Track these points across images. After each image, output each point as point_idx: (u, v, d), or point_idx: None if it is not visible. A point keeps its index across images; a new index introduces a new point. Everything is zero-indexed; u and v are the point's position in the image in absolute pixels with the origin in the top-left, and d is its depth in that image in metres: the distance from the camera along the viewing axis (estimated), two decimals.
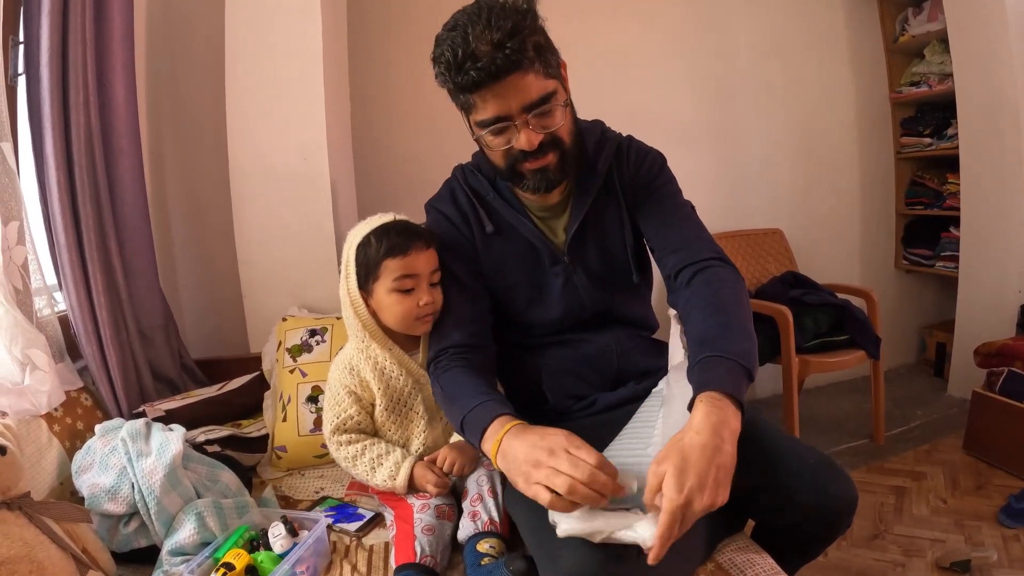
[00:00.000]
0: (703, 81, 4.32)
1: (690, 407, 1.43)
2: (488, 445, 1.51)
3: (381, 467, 1.93)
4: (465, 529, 1.74)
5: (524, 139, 1.65)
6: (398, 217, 1.96)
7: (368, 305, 1.94)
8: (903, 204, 4.82)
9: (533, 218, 1.94)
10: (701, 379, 1.46)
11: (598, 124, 2.00)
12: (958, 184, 4.25)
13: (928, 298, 5.04)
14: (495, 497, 1.81)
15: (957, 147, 4.19)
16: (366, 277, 1.92)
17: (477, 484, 1.85)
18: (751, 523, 1.78)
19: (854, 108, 4.70)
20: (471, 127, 1.74)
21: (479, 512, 1.75)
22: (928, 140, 4.55)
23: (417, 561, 1.64)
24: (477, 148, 1.92)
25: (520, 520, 1.67)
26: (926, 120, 4.59)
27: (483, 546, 1.65)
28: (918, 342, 5.04)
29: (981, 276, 4.14)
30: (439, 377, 1.78)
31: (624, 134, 2.03)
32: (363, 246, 1.91)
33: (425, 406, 2.01)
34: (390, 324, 1.94)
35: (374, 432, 2.05)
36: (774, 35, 4.44)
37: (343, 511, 2.02)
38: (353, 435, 2.00)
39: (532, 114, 1.63)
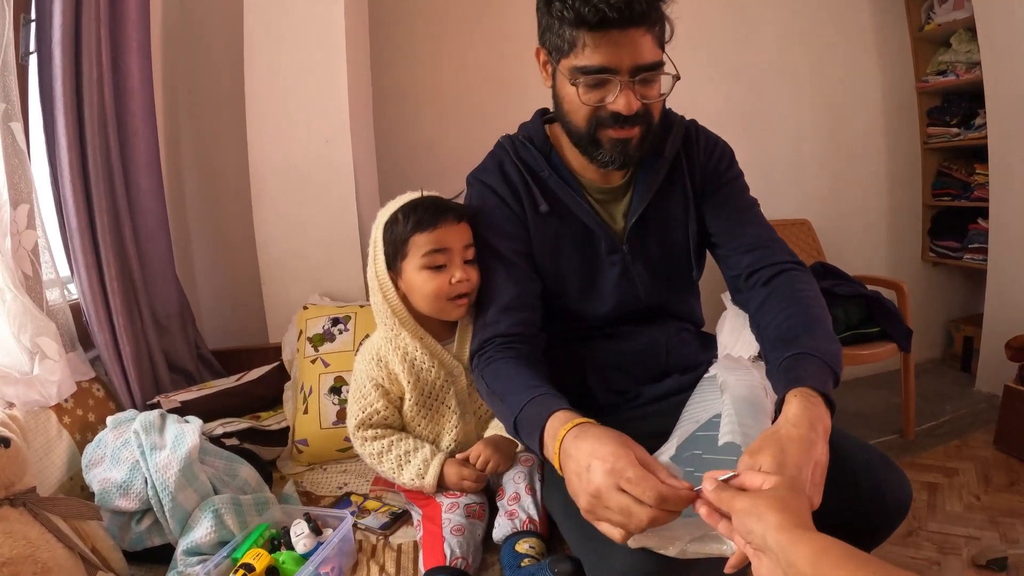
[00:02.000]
0: (729, 70, 4.28)
1: (780, 402, 1.36)
2: (549, 453, 1.39)
3: (408, 465, 1.85)
4: (502, 529, 1.66)
5: (623, 101, 1.54)
6: (427, 193, 1.87)
7: (398, 288, 1.86)
8: (930, 195, 4.76)
9: (591, 200, 1.82)
10: (792, 375, 1.39)
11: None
12: (986, 175, 4.20)
13: (955, 291, 4.98)
14: (533, 495, 1.72)
15: (985, 137, 4.13)
16: (394, 256, 1.83)
17: (514, 482, 1.77)
18: None
19: (880, 98, 4.65)
20: (557, 72, 1.63)
21: (517, 511, 1.68)
22: (955, 130, 4.48)
23: (447, 564, 1.57)
24: (504, 134, 1.87)
25: (561, 519, 1.60)
26: (953, 110, 4.52)
27: (522, 546, 1.57)
28: (944, 336, 4.97)
29: (1011, 268, 4.07)
30: (483, 372, 1.68)
31: (687, 117, 1.92)
32: (391, 224, 1.83)
33: (458, 400, 1.92)
34: (421, 307, 1.85)
35: (402, 427, 1.97)
36: (800, 24, 4.40)
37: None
38: (379, 430, 1.91)
39: (638, 77, 1.53)
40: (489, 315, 1.75)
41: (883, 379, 4.57)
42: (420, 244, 1.78)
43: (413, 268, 1.80)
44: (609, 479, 1.18)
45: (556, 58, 1.60)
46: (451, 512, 1.70)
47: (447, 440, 1.93)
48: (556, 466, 1.36)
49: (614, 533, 1.19)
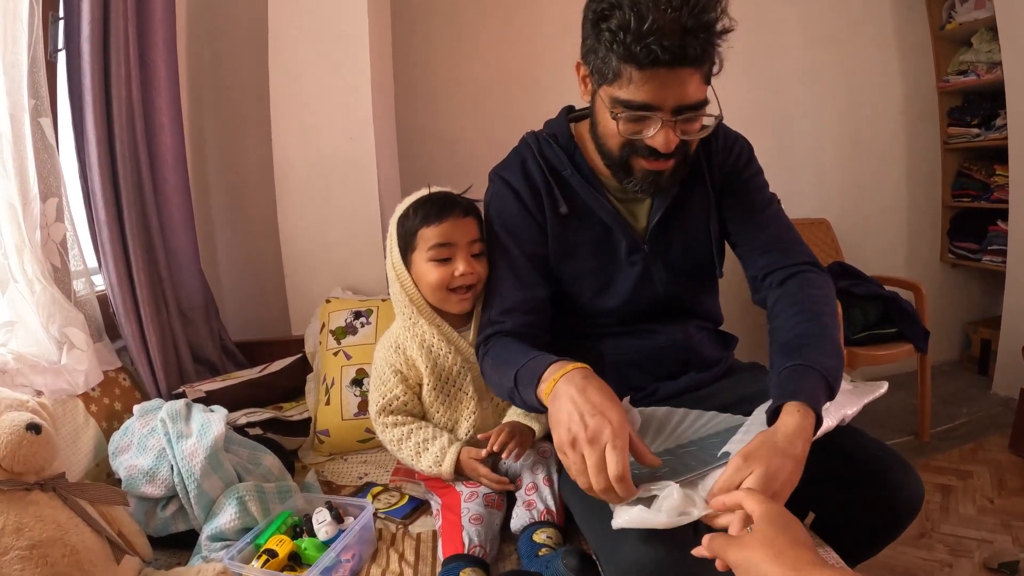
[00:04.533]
0: (750, 68, 4.25)
1: (774, 409, 1.39)
2: (544, 386, 1.47)
3: (427, 452, 1.87)
4: (520, 519, 1.68)
5: (662, 139, 1.52)
6: (440, 189, 1.92)
7: (412, 278, 1.89)
8: (949, 196, 4.72)
9: (613, 200, 1.80)
10: (792, 387, 1.40)
11: None
12: (1006, 176, 4.16)
13: (973, 293, 4.95)
14: (551, 486, 1.75)
15: (1005, 138, 4.10)
16: (405, 248, 1.88)
17: (532, 472, 1.79)
18: (810, 516, 1.73)
19: (900, 97, 4.61)
20: (597, 95, 1.59)
21: (534, 501, 1.69)
22: (976, 130, 4.44)
23: (466, 552, 1.58)
24: (528, 131, 1.87)
25: (577, 511, 1.62)
26: (973, 110, 4.49)
27: (539, 536, 1.59)
28: (962, 338, 4.94)
29: None
30: (487, 352, 1.73)
31: None
32: (403, 218, 1.89)
33: (475, 386, 1.95)
34: (427, 297, 1.89)
35: (422, 414, 1.99)
36: (821, 22, 4.37)
37: None
38: (399, 417, 1.94)
39: (681, 116, 1.50)
40: (492, 314, 1.79)
41: (899, 380, 4.47)
42: (427, 237, 1.83)
43: (421, 260, 1.85)
44: (607, 438, 1.28)
45: (597, 81, 1.56)
46: (470, 501, 1.72)
47: (465, 426, 1.95)
48: (543, 394, 1.45)
49: (572, 470, 1.33)
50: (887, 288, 3.72)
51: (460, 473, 1.84)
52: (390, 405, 1.94)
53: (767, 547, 0.99)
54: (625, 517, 1.26)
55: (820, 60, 4.40)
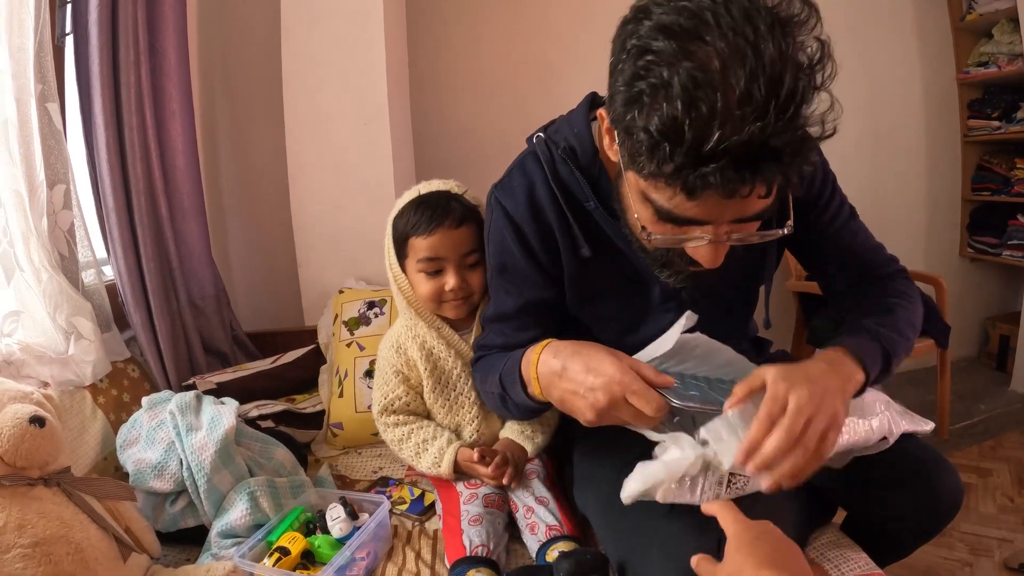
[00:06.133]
0: None
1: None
2: (531, 386, 1.43)
3: (426, 453, 1.84)
4: (531, 545, 1.62)
5: (708, 254, 1.22)
6: (435, 187, 1.85)
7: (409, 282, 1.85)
8: (969, 189, 4.67)
9: None
10: (839, 340, 1.35)
11: None
12: None
13: (992, 288, 4.90)
14: (545, 503, 1.68)
15: None
16: (400, 252, 1.84)
17: (522, 499, 1.72)
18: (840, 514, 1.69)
19: (920, 88, 4.56)
20: (627, 174, 1.23)
21: (536, 523, 1.63)
22: (996, 123, 4.40)
23: (468, 555, 1.54)
24: (537, 133, 1.57)
25: (597, 519, 1.56)
26: (994, 102, 4.44)
27: (552, 555, 1.52)
28: (980, 334, 4.89)
29: None
30: (476, 369, 1.71)
31: None
32: (398, 217, 1.84)
33: (476, 390, 1.89)
34: (423, 303, 1.85)
35: (426, 413, 1.96)
36: (840, 12, 4.27)
37: None
38: (401, 416, 1.92)
39: (736, 224, 1.18)
40: (483, 341, 1.73)
41: (917, 376, 4.46)
42: (416, 249, 1.78)
43: (412, 268, 1.82)
44: (618, 391, 1.24)
45: (626, 162, 1.18)
46: (469, 503, 1.68)
47: (469, 430, 1.90)
48: (537, 391, 1.40)
49: (627, 423, 1.29)
50: None
51: (460, 471, 1.81)
52: (392, 405, 1.92)
53: (756, 559, 0.97)
54: (627, 490, 1.26)
55: (839, 51, 4.23)
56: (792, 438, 1.11)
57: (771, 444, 1.10)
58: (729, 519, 1.07)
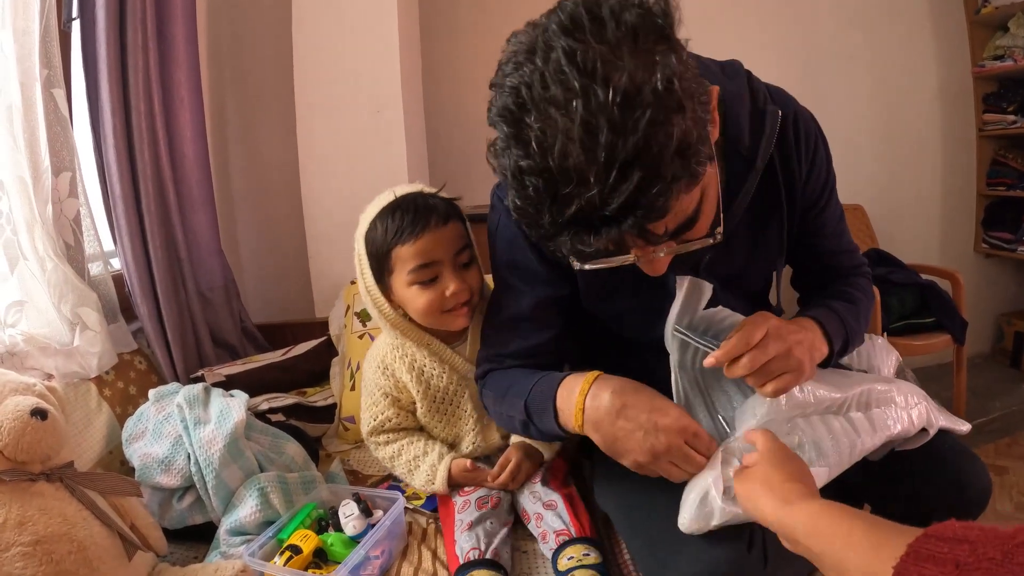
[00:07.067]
0: (784, 50, 4.22)
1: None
2: (570, 419, 1.36)
3: (418, 470, 1.77)
4: (546, 554, 1.57)
5: (647, 269, 1.19)
6: (408, 189, 1.72)
7: (391, 300, 1.73)
8: (984, 184, 4.64)
9: None
10: (816, 313, 1.44)
11: (741, 81, 1.44)
12: None
13: (1007, 284, 4.88)
14: (553, 507, 1.63)
15: None
16: (380, 271, 1.69)
17: (530, 505, 1.67)
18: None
19: (935, 82, 4.55)
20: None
21: (545, 531, 1.58)
22: (1012, 117, 4.36)
23: (462, 563, 1.50)
24: None
25: (620, 521, 1.52)
26: (1010, 96, 4.40)
27: (562, 562, 1.48)
28: (995, 330, 4.89)
29: None
30: (485, 385, 1.61)
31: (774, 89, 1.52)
32: (370, 231, 1.68)
33: (473, 403, 1.80)
34: (419, 320, 1.73)
35: (417, 427, 1.89)
36: (855, 5, 4.33)
37: None
38: (391, 435, 1.85)
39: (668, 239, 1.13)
40: (491, 353, 1.62)
41: (932, 372, 4.44)
42: (404, 258, 1.63)
43: (402, 284, 1.66)
44: (679, 438, 1.26)
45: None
46: (463, 512, 1.63)
47: (466, 442, 1.83)
48: (577, 425, 1.34)
49: (673, 473, 1.29)
50: (923, 277, 3.70)
51: (455, 483, 1.75)
52: (382, 427, 1.84)
53: (763, 482, 1.10)
54: (683, 518, 1.27)
55: (853, 45, 4.35)
56: (758, 361, 1.22)
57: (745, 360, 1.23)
58: (766, 438, 1.19)
